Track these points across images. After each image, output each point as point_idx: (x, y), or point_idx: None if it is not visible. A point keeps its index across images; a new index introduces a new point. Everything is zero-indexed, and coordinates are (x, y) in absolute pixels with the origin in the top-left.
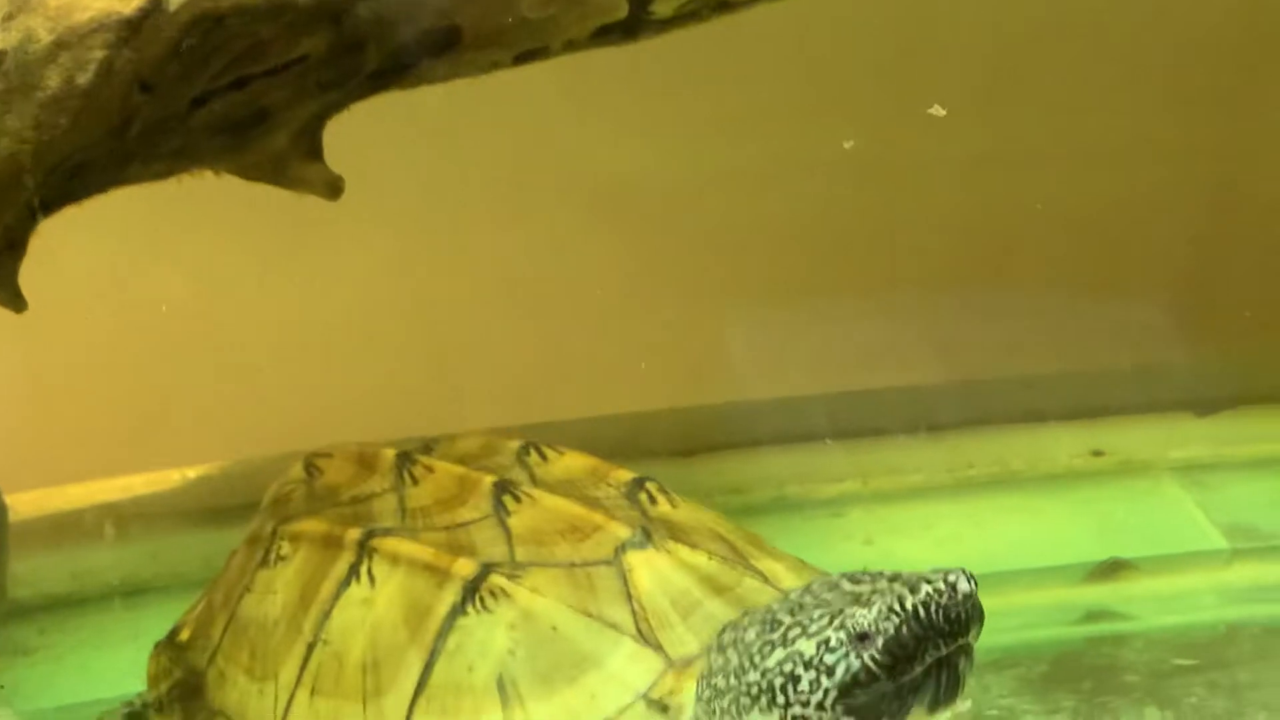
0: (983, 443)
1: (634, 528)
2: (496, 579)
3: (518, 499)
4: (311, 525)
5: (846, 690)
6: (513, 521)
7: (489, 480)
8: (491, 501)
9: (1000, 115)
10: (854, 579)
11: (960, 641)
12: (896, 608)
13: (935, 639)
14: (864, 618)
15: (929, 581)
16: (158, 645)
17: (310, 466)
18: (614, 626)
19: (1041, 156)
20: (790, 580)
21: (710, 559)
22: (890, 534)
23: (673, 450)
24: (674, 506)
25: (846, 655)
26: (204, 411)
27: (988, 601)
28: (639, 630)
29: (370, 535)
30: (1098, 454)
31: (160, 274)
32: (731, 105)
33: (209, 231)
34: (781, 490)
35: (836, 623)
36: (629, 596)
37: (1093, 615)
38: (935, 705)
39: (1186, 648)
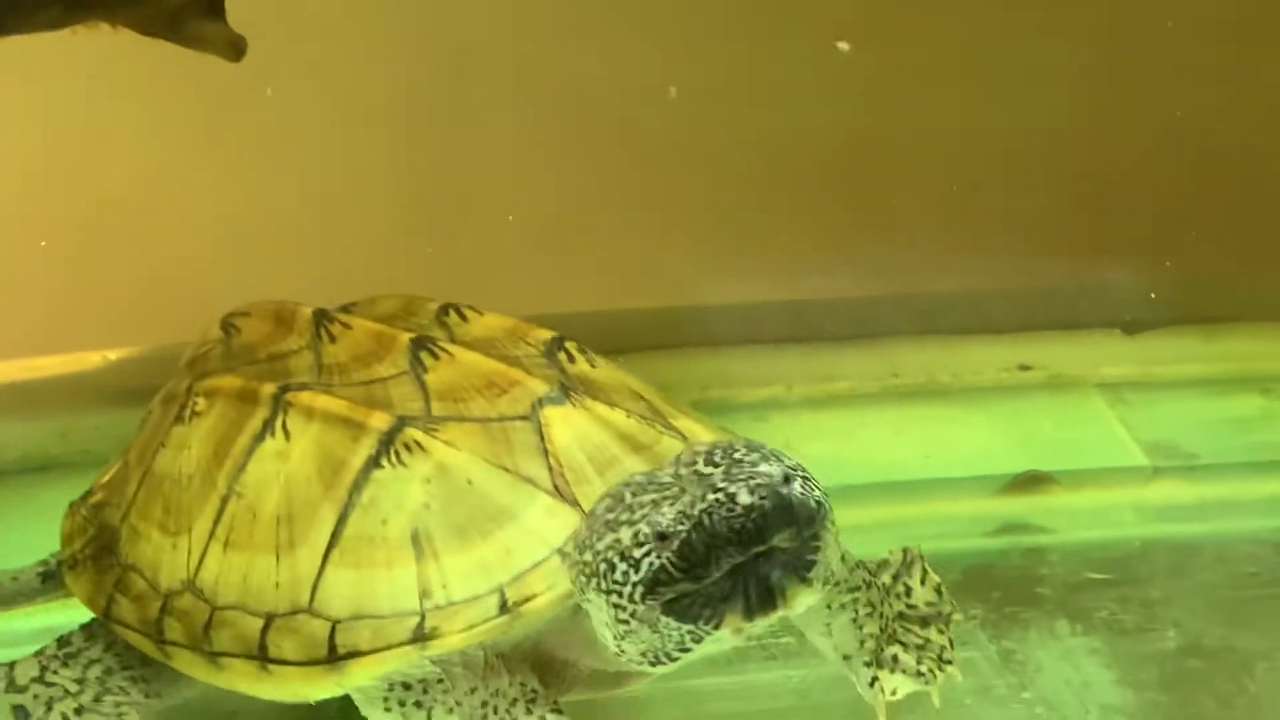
0: (911, 353)
1: (552, 384)
2: (412, 432)
3: (435, 355)
4: (227, 381)
5: (650, 587)
6: (430, 378)
7: (406, 337)
8: (409, 358)
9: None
10: (713, 458)
11: (757, 549)
12: (687, 512)
13: (725, 548)
14: (663, 517)
15: (715, 489)
16: (72, 504)
17: (228, 325)
18: (530, 481)
19: (980, 71)
20: (708, 438)
21: (629, 417)
22: (811, 439)
23: (600, 349)
24: (592, 365)
25: (649, 554)
26: (131, 296)
27: (903, 510)
28: (555, 486)
29: (286, 389)
30: (1025, 368)
31: (97, 152)
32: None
33: (149, 110)
34: (705, 393)
35: (648, 517)
36: (545, 452)
37: (1008, 527)
38: (750, 613)
39: (1101, 562)
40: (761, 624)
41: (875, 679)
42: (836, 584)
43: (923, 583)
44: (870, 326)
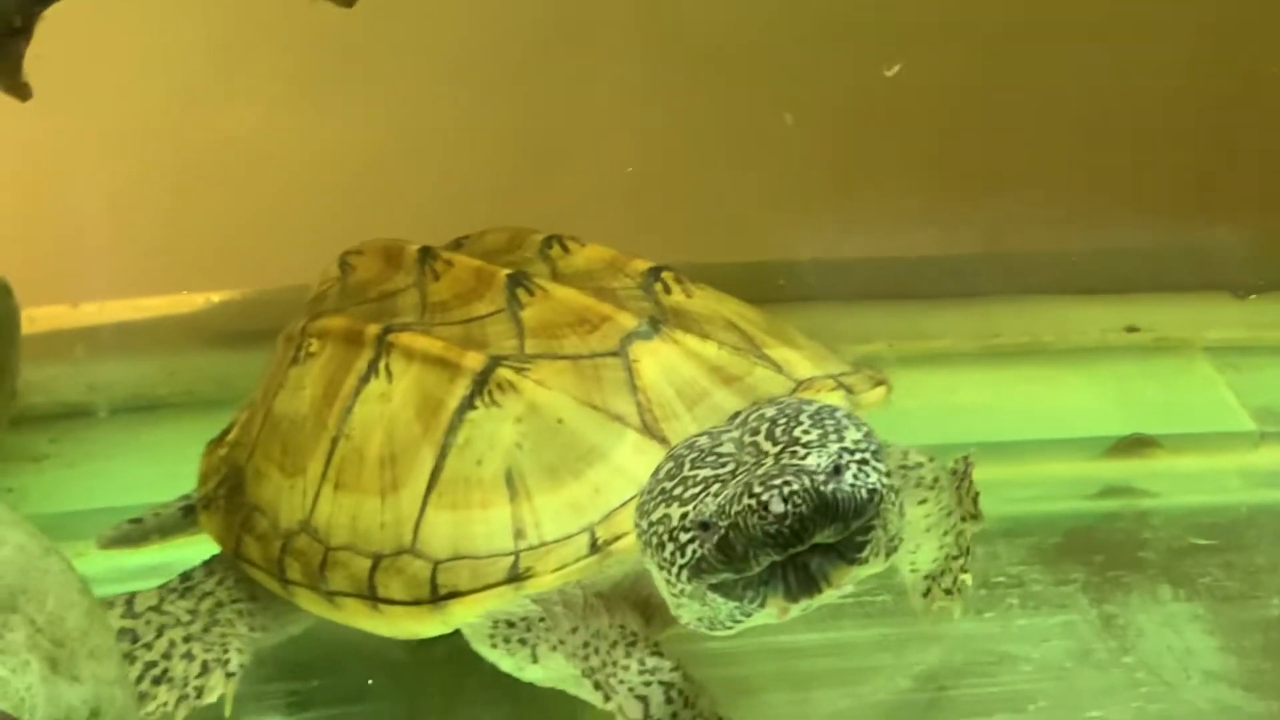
0: (1014, 313)
1: (641, 318)
2: (504, 372)
3: (530, 292)
4: (336, 322)
5: (695, 572)
6: (525, 314)
7: (504, 274)
8: (506, 295)
9: None
10: (774, 433)
11: (795, 549)
12: (726, 509)
13: (762, 547)
14: (706, 508)
15: (752, 494)
16: (210, 443)
17: (344, 264)
18: (619, 419)
19: (1088, 29)
20: (806, 369)
21: (720, 349)
22: (910, 397)
23: None
24: (688, 296)
25: (693, 540)
26: (234, 240)
27: (1003, 471)
28: (644, 422)
29: (388, 330)
30: (1131, 330)
31: (203, 96)
32: None
33: (257, 55)
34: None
35: (698, 500)
36: (634, 388)
37: (1112, 490)
38: (791, 598)
39: (1206, 528)
40: (811, 604)
41: (929, 590)
42: (928, 505)
43: (967, 492)
44: (972, 285)
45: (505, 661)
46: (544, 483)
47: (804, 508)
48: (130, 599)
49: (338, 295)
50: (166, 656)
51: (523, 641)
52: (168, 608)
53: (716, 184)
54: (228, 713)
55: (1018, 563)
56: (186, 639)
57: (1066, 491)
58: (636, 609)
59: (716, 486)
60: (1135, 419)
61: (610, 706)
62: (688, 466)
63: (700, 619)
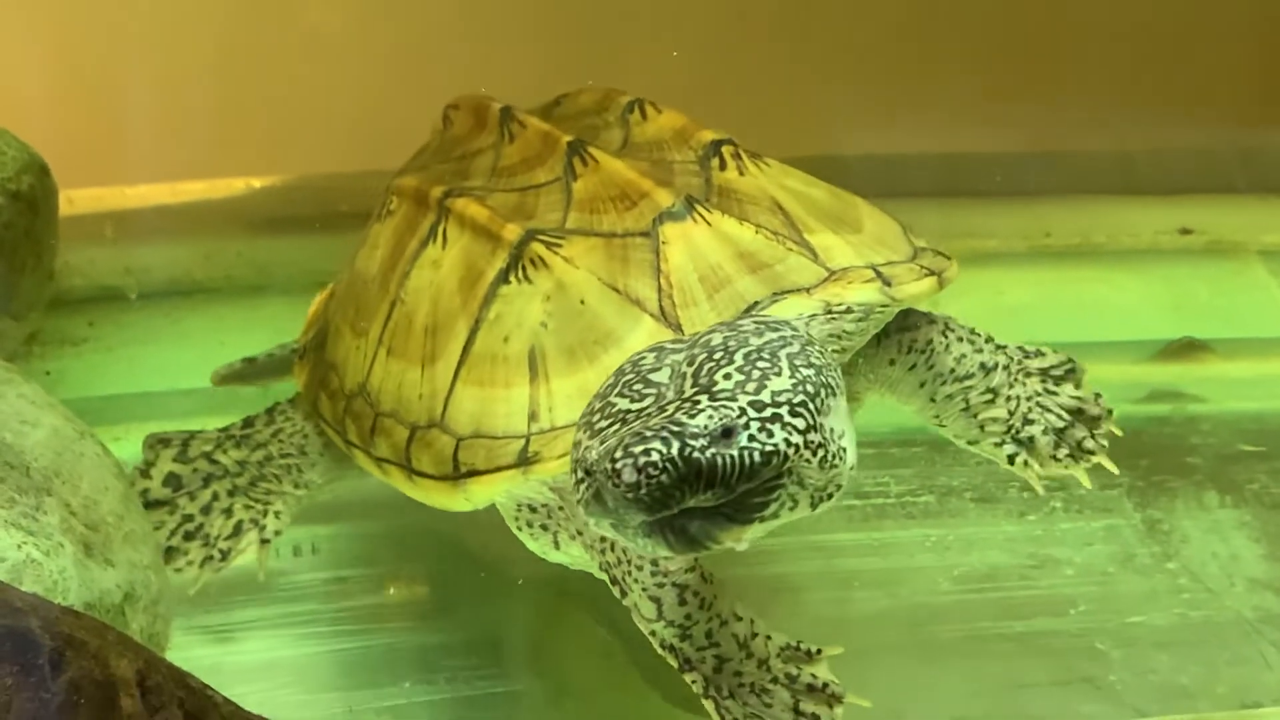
0: (1064, 213)
1: (678, 197)
2: (537, 247)
3: (584, 162)
4: (411, 181)
5: (585, 509)
6: (576, 185)
7: (565, 141)
8: (564, 163)
9: None
10: (699, 378)
11: (662, 514)
12: (600, 464)
13: (627, 509)
14: (590, 455)
15: (611, 458)
16: (322, 290)
17: (445, 117)
18: (638, 303)
19: None
20: (845, 257)
21: (756, 233)
22: (957, 296)
23: None
24: (742, 173)
25: (580, 481)
26: (275, 125)
27: None
28: (661, 308)
29: (449, 194)
30: (1185, 232)
31: None
32: None
33: None
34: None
35: (597, 438)
36: (658, 270)
37: (1161, 394)
38: (678, 553)
39: (1256, 434)
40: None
41: (1014, 455)
42: (938, 376)
43: (1077, 386)
44: (1024, 184)
45: (531, 544)
46: (562, 364)
47: (662, 478)
48: (187, 441)
49: (432, 151)
50: (206, 511)
51: (544, 527)
52: (220, 456)
53: (764, 76)
54: (262, 577)
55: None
56: (231, 492)
57: (1115, 395)
58: None
59: (615, 428)
60: (1187, 322)
61: (627, 603)
62: (616, 391)
63: (628, 546)
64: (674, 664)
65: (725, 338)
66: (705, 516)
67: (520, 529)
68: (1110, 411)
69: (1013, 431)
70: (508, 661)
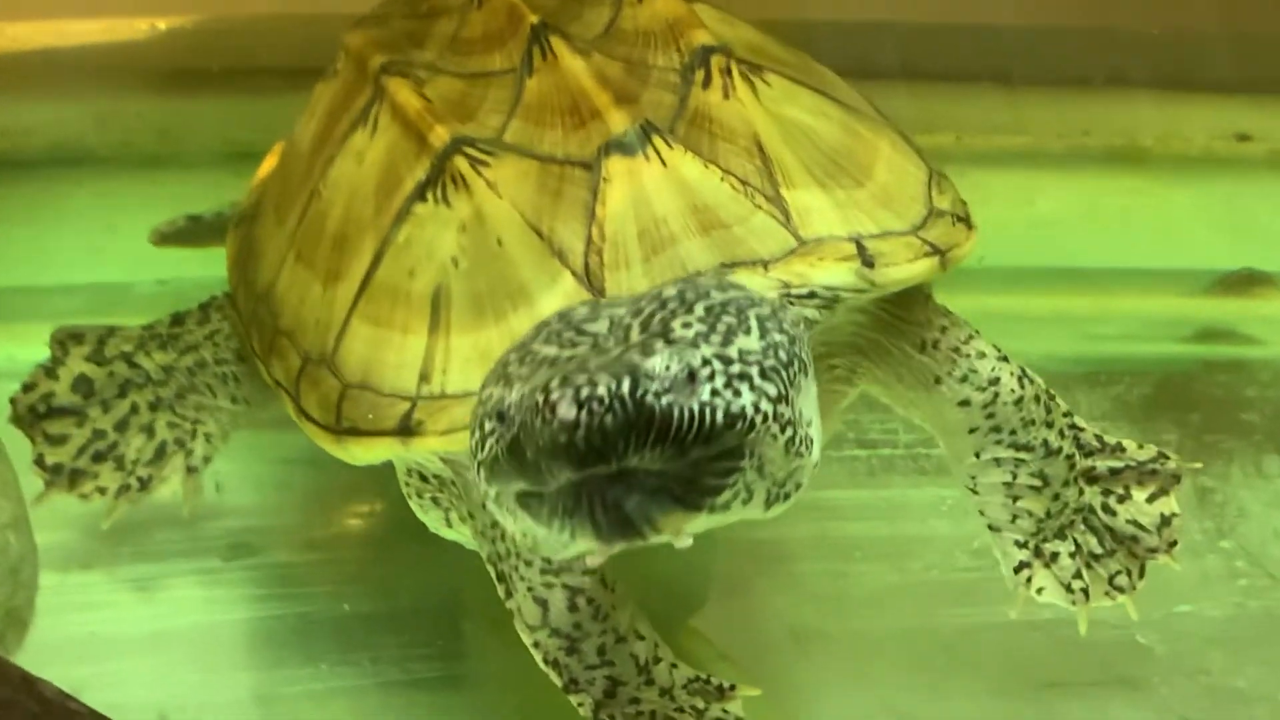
0: (1107, 107)
1: (634, 121)
2: (461, 162)
3: (544, 54)
4: (359, 38)
5: (490, 470)
6: (530, 83)
7: (530, 22)
8: (524, 51)
9: None
10: (650, 320)
11: (595, 470)
12: (521, 403)
13: (549, 459)
14: (508, 396)
15: (545, 390)
16: (278, 148)
17: None
18: (560, 254)
19: None
20: (822, 224)
21: (722, 180)
22: (979, 205)
23: None
24: (728, 95)
25: (491, 434)
26: None
27: (1086, 302)
28: (586, 265)
29: (388, 68)
30: (1243, 139)
31: None
32: None
33: None
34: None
35: (515, 383)
36: (592, 215)
37: (1213, 333)
38: (602, 538)
39: None
40: (639, 546)
41: (1024, 565)
42: (994, 430)
43: (1150, 501)
44: (1060, 68)
45: (422, 516)
46: (466, 316)
47: (606, 418)
48: (104, 337)
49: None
50: (122, 427)
51: (435, 501)
52: (142, 359)
53: None
54: (186, 512)
55: (1099, 416)
56: (153, 405)
57: (1160, 332)
58: None
59: (543, 372)
60: (1245, 250)
61: (510, 605)
62: (539, 339)
63: (523, 535)
64: (557, 682)
65: (681, 289)
66: (646, 493)
67: (410, 497)
68: (1175, 543)
69: (1039, 537)
70: (444, 640)
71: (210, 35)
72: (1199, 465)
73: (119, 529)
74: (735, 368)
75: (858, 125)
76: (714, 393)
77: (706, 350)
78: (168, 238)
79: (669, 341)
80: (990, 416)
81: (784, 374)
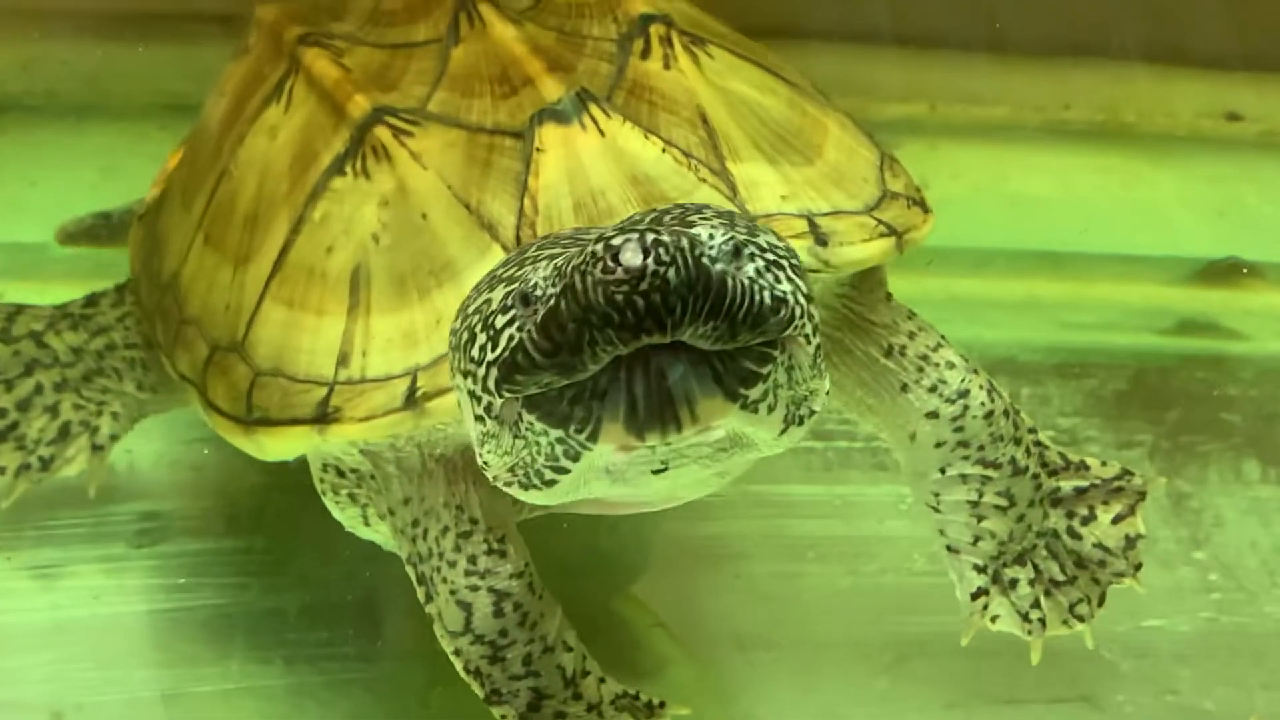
0: (1089, 80)
1: (569, 89)
2: (382, 133)
3: (471, 22)
4: (272, 11)
5: (507, 372)
6: (457, 52)
7: None
8: (450, 18)
9: None
10: (660, 218)
11: (651, 339)
12: (562, 268)
13: (602, 326)
14: (534, 275)
15: (602, 239)
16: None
17: None
18: (489, 227)
19: None
20: (772, 200)
21: (664, 152)
22: (951, 179)
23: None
24: (668, 65)
25: (511, 321)
26: None
27: (1062, 288)
28: (518, 240)
29: (304, 39)
30: (1233, 118)
31: None
32: None
33: None
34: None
35: (535, 267)
36: (524, 188)
37: (1193, 325)
38: (636, 423)
39: None
40: (661, 443)
41: (982, 591)
42: (962, 445)
43: (1115, 522)
44: (1041, 37)
45: (338, 514)
46: (388, 295)
47: (670, 271)
48: (12, 315)
49: None
50: (24, 407)
51: (352, 498)
52: (50, 339)
53: None
54: (92, 493)
55: (1071, 413)
56: (59, 386)
57: (1139, 322)
58: (490, 485)
59: (571, 250)
60: (1231, 237)
61: (430, 610)
62: (532, 250)
63: (514, 466)
64: (479, 693)
65: (676, 205)
66: (692, 364)
67: (325, 493)
68: (1140, 566)
69: (999, 561)
70: (365, 637)
71: None
72: (1164, 480)
73: (20, 509)
74: (770, 255)
75: (805, 103)
76: (758, 272)
77: (740, 234)
78: (75, 236)
79: (701, 221)
80: (959, 430)
81: (806, 278)
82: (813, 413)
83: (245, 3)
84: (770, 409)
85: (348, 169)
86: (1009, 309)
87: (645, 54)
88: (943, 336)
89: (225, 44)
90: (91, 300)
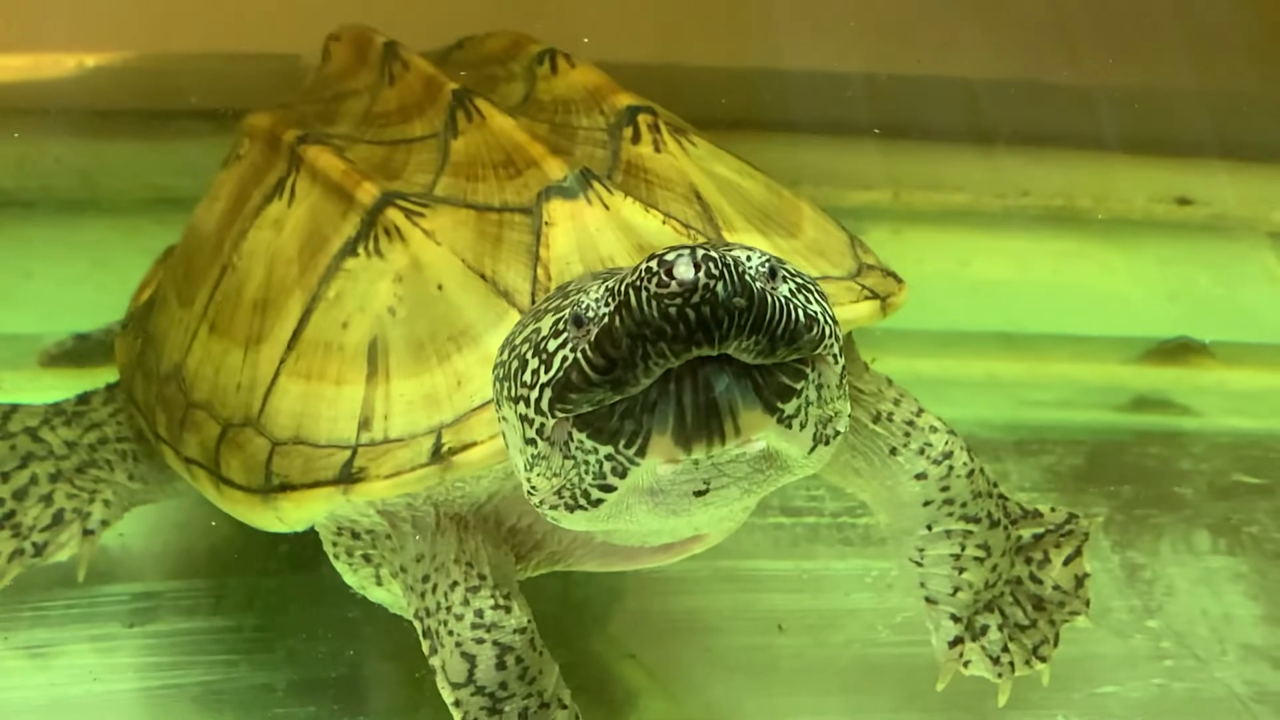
0: (1047, 167)
1: (572, 169)
2: (394, 214)
3: (469, 117)
4: (265, 120)
5: (561, 392)
6: (457, 144)
7: (450, 89)
8: (446, 115)
9: None
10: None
11: (700, 351)
12: (614, 289)
13: (653, 339)
14: (584, 299)
15: (655, 258)
16: (169, 249)
17: (325, 50)
18: (506, 295)
19: None
20: None
21: (664, 223)
22: (915, 263)
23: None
24: (659, 149)
25: (564, 344)
26: None
27: (1020, 367)
28: (534, 305)
29: (303, 140)
30: (1184, 203)
31: None
32: None
33: None
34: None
35: (585, 292)
36: (536, 258)
37: (1147, 403)
38: (683, 435)
39: (1258, 463)
40: (705, 456)
41: (959, 640)
42: (947, 503)
43: (1066, 563)
44: (998, 126)
45: (349, 577)
46: (406, 362)
47: (718, 287)
48: (8, 413)
49: (308, 87)
50: (20, 496)
51: (366, 559)
52: (45, 434)
53: None
54: (81, 577)
55: (1029, 487)
56: (53, 477)
57: (1094, 399)
58: (500, 543)
59: (613, 280)
60: (1182, 317)
61: (434, 662)
62: (573, 285)
63: (561, 489)
64: None
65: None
66: (735, 376)
67: (338, 557)
68: (1088, 602)
69: (972, 609)
70: (356, 712)
71: (138, 74)
72: (1100, 516)
73: (16, 591)
74: (799, 280)
75: (779, 188)
76: (792, 293)
77: (773, 259)
78: (56, 359)
79: (733, 250)
80: (945, 489)
81: (830, 305)
82: (838, 433)
83: (233, 99)
84: (802, 425)
85: (360, 250)
86: (970, 387)
87: (636, 140)
88: (921, 404)
89: (215, 139)
90: (84, 398)
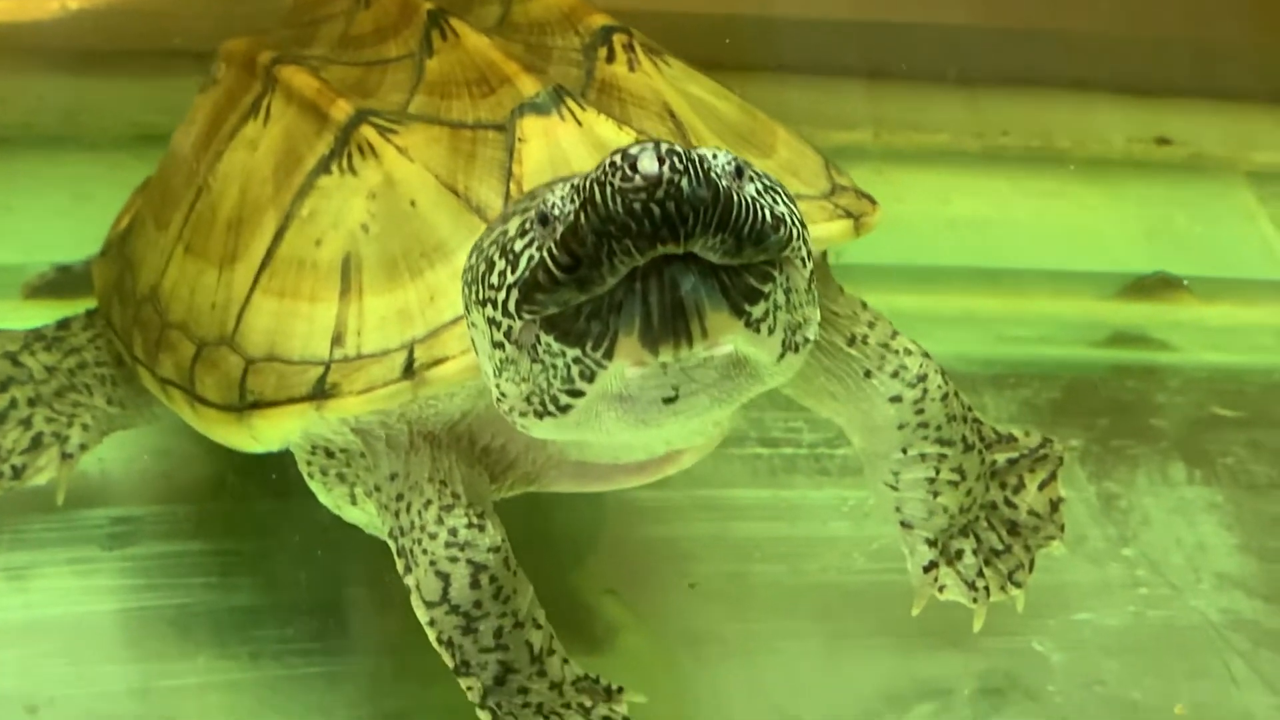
0: (1024, 107)
1: (546, 86)
2: (368, 131)
3: (444, 36)
4: (240, 44)
5: (527, 292)
6: (430, 64)
7: (425, 9)
8: (420, 36)
9: None
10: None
11: (665, 248)
12: (581, 186)
13: (620, 237)
14: (550, 197)
15: (618, 152)
16: (145, 181)
17: None
18: (478, 210)
19: None
20: None
21: (638, 139)
22: (895, 201)
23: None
24: (633, 68)
25: (530, 243)
26: None
27: (998, 302)
28: None
29: (278, 61)
30: (1163, 142)
31: None
32: None
33: None
34: None
35: (551, 191)
36: (509, 174)
37: (1124, 338)
38: (650, 336)
39: (1233, 396)
40: (673, 359)
41: (934, 564)
42: (922, 426)
43: (1041, 488)
44: (978, 68)
45: (323, 496)
46: (380, 278)
47: (684, 180)
48: None
49: (285, 14)
50: None
51: (341, 477)
52: (25, 359)
53: None
54: (60, 500)
55: (1006, 419)
56: (32, 401)
57: (1071, 335)
58: (474, 463)
59: (577, 178)
60: (1159, 253)
61: (409, 581)
62: (542, 188)
63: (530, 395)
64: (449, 663)
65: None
66: (701, 275)
67: (312, 476)
68: (1063, 528)
69: (948, 534)
70: (326, 636)
71: (122, 15)
72: (1075, 444)
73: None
74: (765, 181)
75: (754, 110)
76: (758, 192)
77: (739, 160)
78: (38, 290)
79: (700, 150)
80: (920, 412)
81: (799, 207)
82: (807, 340)
83: (219, 39)
84: (770, 330)
85: (334, 167)
86: (949, 323)
87: (610, 59)
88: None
89: (196, 77)
90: (63, 324)
